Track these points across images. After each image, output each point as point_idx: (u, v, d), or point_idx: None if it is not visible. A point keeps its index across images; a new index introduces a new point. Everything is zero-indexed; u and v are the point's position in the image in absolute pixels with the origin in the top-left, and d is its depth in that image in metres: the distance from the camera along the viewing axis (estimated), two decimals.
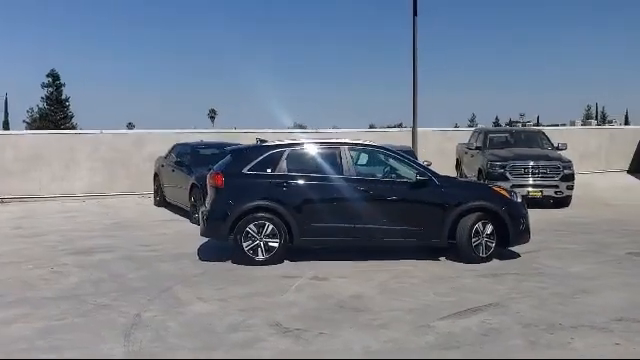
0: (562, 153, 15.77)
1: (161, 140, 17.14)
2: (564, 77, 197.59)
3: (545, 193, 14.63)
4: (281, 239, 8.13)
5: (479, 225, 8.24)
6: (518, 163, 14.94)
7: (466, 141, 17.97)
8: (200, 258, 8.56)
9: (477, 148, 16.53)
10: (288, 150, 8.46)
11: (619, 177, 21.59)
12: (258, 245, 8.11)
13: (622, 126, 58.50)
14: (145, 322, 5.69)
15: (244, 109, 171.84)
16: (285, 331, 5.42)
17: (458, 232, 8.20)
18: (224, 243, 9.17)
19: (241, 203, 8.13)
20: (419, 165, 8.68)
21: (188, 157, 13.20)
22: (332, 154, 8.54)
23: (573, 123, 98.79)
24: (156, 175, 14.93)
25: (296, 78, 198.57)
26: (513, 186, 14.18)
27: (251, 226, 8.11)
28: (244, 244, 8.09)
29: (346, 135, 13.54)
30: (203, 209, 8.65)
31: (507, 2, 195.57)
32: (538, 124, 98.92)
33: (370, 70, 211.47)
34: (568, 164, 15.02)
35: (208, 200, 8.52)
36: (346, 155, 8.45)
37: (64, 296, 6.60)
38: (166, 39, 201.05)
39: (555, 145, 16.48)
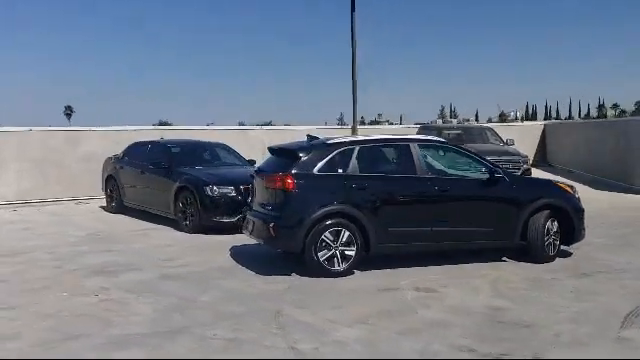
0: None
1: (99, 138, 15.28)
2: (422, 77, 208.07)
3: None
4: (357, 247, 7.34)
5: (549, 223, 8.02)
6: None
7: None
8: (257, 272, 7.50)
9: None
10: (358, 147, 7.66)
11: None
12: (334, 255, 7.26)
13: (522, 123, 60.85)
14: (311, 354, 4.74)
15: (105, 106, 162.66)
16: (487, 356, 4.75)
17: (531, 231, 7.92)
18: (259, 250, 8.31)
19: (316, 208, 7.21)
20: (488, 161, 8.28)
21: (166, 157, 11.71)
22: (402, 151, 7.89)
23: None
24: (110, 178, 13.16)
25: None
26: None
27: (327, 234, 7.23)
28: (319, 254, 7.19)
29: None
30: (256, 216, 7.63)
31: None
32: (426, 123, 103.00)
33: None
34: (525, 159, 15.51)
35: (270, 206, 7.47)
36: (417, 152, 7.83)
37: (164, 331, 5.36)
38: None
39: (505, 140, 16.98)
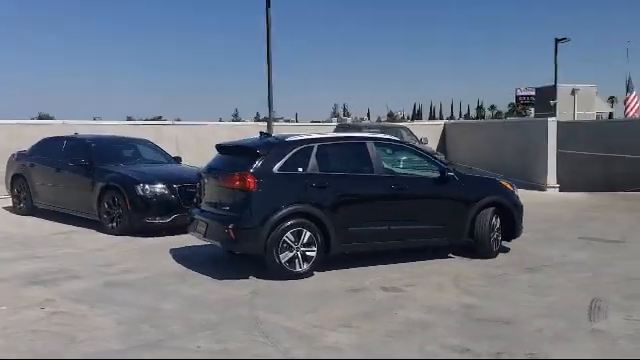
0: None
1: None
2: (313, 77, 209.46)
3: None
4: (318, 247, 7.18)
5: (494, 220, 8.29)
6: None
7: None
8: (212, 276, 7.13)
9: None
10: (317, 146, 7.47)
11: None
12: (295, 256, 7.06)
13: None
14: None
15: None
16: (485, 355, 4.79)
17: (478, 228, 8.14)
18: (203, 252, 8.02)
19: (278, 209, 6.97)
20: (439, 160, 8.40)
21: (86, 154, 10.87)
22: (359, 150, 7.80)
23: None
24: (17, 176, 12.04)
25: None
26: None
27: (288, 234, 7.01)
28: (281, 255, 6.96)
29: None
30: (209, 217, 7.27)
31: None
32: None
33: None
34: (441, 157, 15.98)
35: (227, 206, 7.12)
36: (373, 150, 7.79)
37: (141, 345, 4.94)
38: None
39: (419, 139, 17.43)
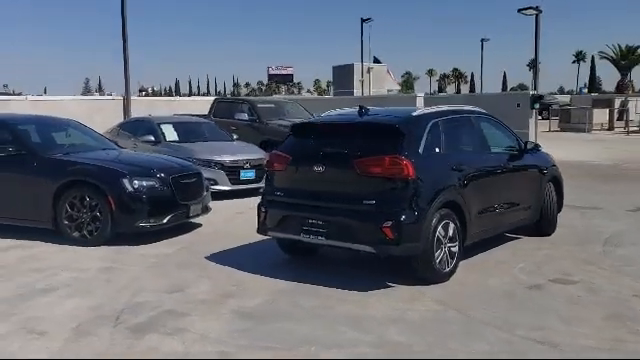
0: None
1: None
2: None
3: None
4: (460, 241, 6.12)
5: (554, 194, 8.02)
6: None
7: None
8: (338, 287, 5.61)
9: (251, 120, 15.09)
10: (440, 121, 6.28)
11: None
12: (444, 253, 5.89)
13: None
14: None
15: None
16: None
17: (547, 203, 7.78)
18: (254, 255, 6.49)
19: (433, 199, 5.72)
20: (513, 132, 7.74)
21: (18, 141, 7.86)
22: (470, 126, 6.83)
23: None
24: None
25: None
26: None
27: (440, 229, 5.80)
28: (435, 254, 5.75)
29: None
30: (329, 214, 5.70)
31: None
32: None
33: None
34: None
35: (371, 199, 5.58)
36: (479, 126, 6.90)
37: None
38: None
39: (311, 114, 16.53)
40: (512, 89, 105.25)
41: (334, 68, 42.23)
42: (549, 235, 7.88)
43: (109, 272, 6.33)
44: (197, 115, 15.43)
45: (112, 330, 4.67)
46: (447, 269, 5.91)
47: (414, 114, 6.13)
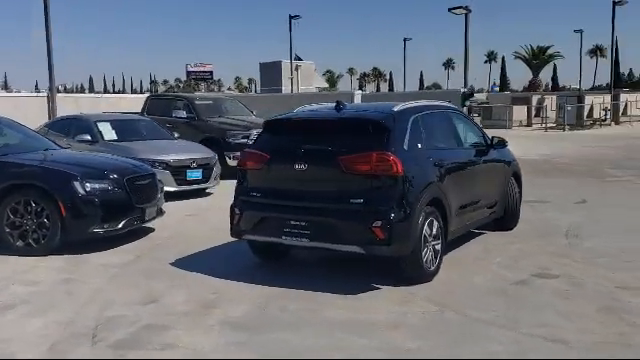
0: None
1: None
2: None
3: None
4: (442, 238, 5.99)
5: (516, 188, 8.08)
6: (259, 131, 14.05)
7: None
8: (336, 292, 5.35)
9: (189, 118, 14.49)
10: (420, 116, 6.10)
11: None
12: (429, 251, 5.74)
13: None
14: None
15: None
16: None
17: (510, 197, 7.81)
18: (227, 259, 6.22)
19: (419, 196, 5.54)
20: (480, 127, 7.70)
21: None
22: (446, 121, 6.72)
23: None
24: None
25: None
26: None
27: (426, 227, 5.64)
28: (422, 253, 5.59)
29: None
30: (318, 216, 5.40)
31: None
32: None
33: None
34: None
35: (359, 197, 5.31)
36: (452, 121, 6.80)
37: None
38: None
39: (251, 111, 16.16)
40: (427, 88, 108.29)
41: (261, 65, 41.76)
42: (511, 229, 7.92)
43: (67, 284, 5.77)
44: (130, 113, 14.66)
45: (91, 348, 4.19)
46: (432, 268, 5.76)
47: (395, 109, 5.91)
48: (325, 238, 5.42)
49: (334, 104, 6.13)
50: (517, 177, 8.12)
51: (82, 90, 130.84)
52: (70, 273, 6.14)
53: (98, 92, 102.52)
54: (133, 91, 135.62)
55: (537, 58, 64.26)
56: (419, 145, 5.89)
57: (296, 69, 37.69)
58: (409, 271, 5.55)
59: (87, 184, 6.84)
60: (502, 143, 7.53)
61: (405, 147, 5.62)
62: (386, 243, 5.24)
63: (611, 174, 14.30)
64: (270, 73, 38.61)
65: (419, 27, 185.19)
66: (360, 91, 18.80)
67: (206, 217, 9.30)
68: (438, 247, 5.85)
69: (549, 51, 65.19)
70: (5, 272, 6.14)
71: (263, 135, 6.15)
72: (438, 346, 4.23)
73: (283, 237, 5.59)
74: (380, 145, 5.40)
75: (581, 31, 54.31)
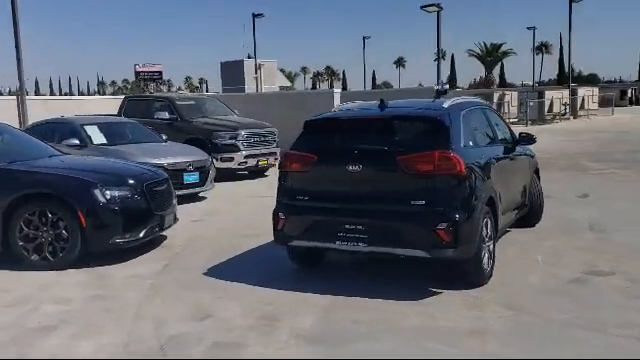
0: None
1: None
2: None
3: (270, 161, 14.06)
4: (494, 238, 5.81)
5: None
6: (247, 132, 13.74)
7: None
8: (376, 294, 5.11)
9: (172, 119, 13.98)
10: (467, 112, 5.91)
11: None
12: (486, 252, 5.55)
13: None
14: None
15: None
16: None
17: (534, 194, 7.72)
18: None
19: (480, 196, 5.34)
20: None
21: None
22: (484, 117, 6.54)
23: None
24: None
25: None
26: (247, 156, 13.37)
27: (484, 227, 5.44)
28: (482, 254, 5.40)
29: None
30: (374, 219, 5.15)
31: None
32: None
33: None
34: (275, 130, 14.75)
35: (419, 199, 5.07)
36: (489, 117, 6.65)
37: None
38: None
39: (233, 111, 15.74)
40: (378, 87, 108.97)
41: (222, 64, 41.06)
42: (533, 226, 7.84)
43: (101, 300, 5.34)
44: (110, 115, 14.02)
45: None
46: (488, 270, 5.59)
47: (446, 105, 5.71)
48: (384, 242, 5.16)
49: (377, 102, 5.87)
50: (537, 172, 8.05)
51: (28, 93, 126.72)
52: (98, 288, 5.69)
53: (42, 94, 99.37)
54: (80, 93, 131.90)
55: (491, 55, 65.61)
56: (470, 142, 5.70)
57: (259, 68, 37.23)
58: (472, 274, 5.35)
59: (107, 191, 6.39)
60: (530, 139, 7.36)
61: (462, 145, 5.42)
62: (451, 246, 5.02)
63: (593, 167, 14.51)
64: (232, 72, 38.00)
65: (371, 26, 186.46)
66: (339, 90, 18.53)
67: (213, 222, 8.92)
68: (492, 248, 5.67)
69: (502, 48, 66.63)
70: (27, 289, 5.65)
71: (305, 136, 5.82)
72: (530, 351, 4.04)
73: (337, 242, 5.30)
74: (440, 143, 5.17)
75: (534, 28, 55.56)
